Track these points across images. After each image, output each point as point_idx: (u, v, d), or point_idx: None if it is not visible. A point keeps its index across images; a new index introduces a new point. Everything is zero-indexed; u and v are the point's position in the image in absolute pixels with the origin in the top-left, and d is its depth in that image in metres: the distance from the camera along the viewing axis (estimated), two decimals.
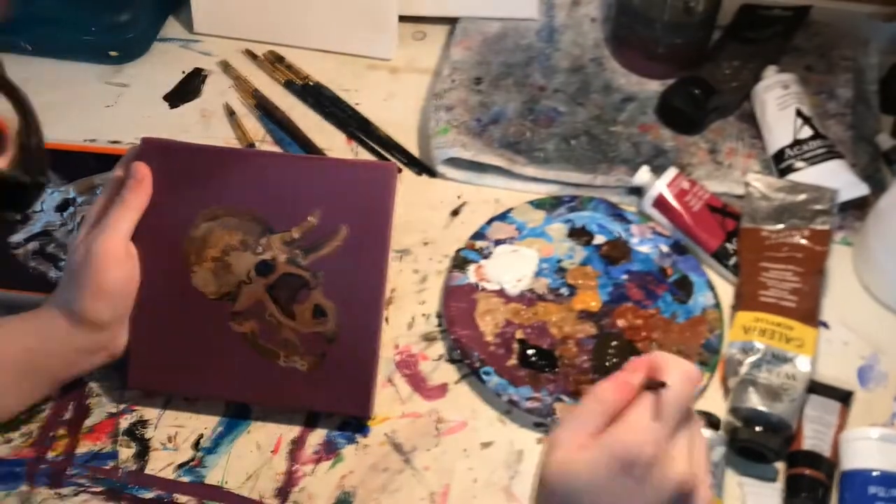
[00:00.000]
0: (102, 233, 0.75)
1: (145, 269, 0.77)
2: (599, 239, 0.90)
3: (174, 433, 0.80)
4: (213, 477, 0.77)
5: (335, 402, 0.78)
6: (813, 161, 0.91)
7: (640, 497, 0.54)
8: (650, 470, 0.53)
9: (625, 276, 0.87)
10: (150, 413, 0.81)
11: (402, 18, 1.08)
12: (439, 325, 0.86)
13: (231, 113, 1.03)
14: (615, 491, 0.53)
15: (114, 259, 0.75)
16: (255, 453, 0.78)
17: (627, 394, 0.56)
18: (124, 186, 0.77)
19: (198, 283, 0.79)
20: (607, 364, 0.81)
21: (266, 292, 0.78)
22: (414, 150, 0.99)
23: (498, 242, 0.89)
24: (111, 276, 0.75)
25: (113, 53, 1.07)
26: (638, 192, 0.92)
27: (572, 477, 0.54)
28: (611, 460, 0.53)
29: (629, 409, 0.55)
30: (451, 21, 1.10)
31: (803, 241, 0.85)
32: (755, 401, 0.77)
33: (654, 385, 0.55)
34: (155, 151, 0.79)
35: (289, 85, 1.06)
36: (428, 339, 0.85)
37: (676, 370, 0.55)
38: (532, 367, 0.81)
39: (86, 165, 0.93)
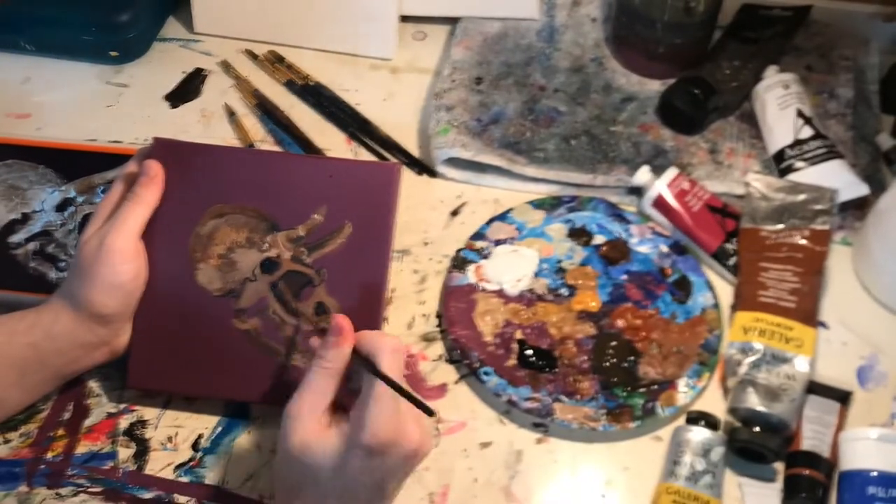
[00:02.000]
0: (115, 227, 0.75)
1: (150, 265, 0.78)
2: (599, 239, 0.90)
3: (174, 433, 0.80)
4: (212, 477, 0.77)
5: None
6: (813, 161, 0.91)
7: (379, 471, 0.64)
8: (388, 449, 0.63)
9: (624, 277, 0.87)
10: (149, 413, 0.81)
11: (403, 18, 1.09)
12: (439, 325, 0.86)
13: (231, 113, 1.03)
14: (356, 469, 0.64)
15: (125, 254, 0.75)
16: (255, 453, 0.78)
17: (347, 362, 0.67)
18: (137, 183, 0.78)
19: (202, 280, 0.79)
20: (606, 364, 0.81)
21: (270, 289, 0.79)
22: (414, 150, 0.99)
23: (497, 243, 0.89)
24: (122, 271, 0.75)
25: (113, 53, 1.07)
26: (638, 192, 0.92)
27: (317, 457, 0.64)
28: (353, 448, 0.63)
29: (368, 400, 0.63)
30: (452, 21, 1.09)
31: (803, 242, 0.85)
32: (754, 401, 0.77)
33: (369, 366, 0.65)
34: (165, 150, 0.80)
35: (289, 85, 1.06)
36: (427, 339, 0.85)
37: (385, 350, 0.65)
38: (531, 367, 0.81)
39: (86, 165, 0.93)
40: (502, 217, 0.91)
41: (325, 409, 0.66)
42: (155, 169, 0.79)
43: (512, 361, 0.82)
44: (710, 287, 0.86)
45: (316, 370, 0.67)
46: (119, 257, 0.75)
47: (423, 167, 0.97)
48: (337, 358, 0.67)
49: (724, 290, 0.87)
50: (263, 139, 1.00)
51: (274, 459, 0.68)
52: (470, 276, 0.87)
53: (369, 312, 0.78)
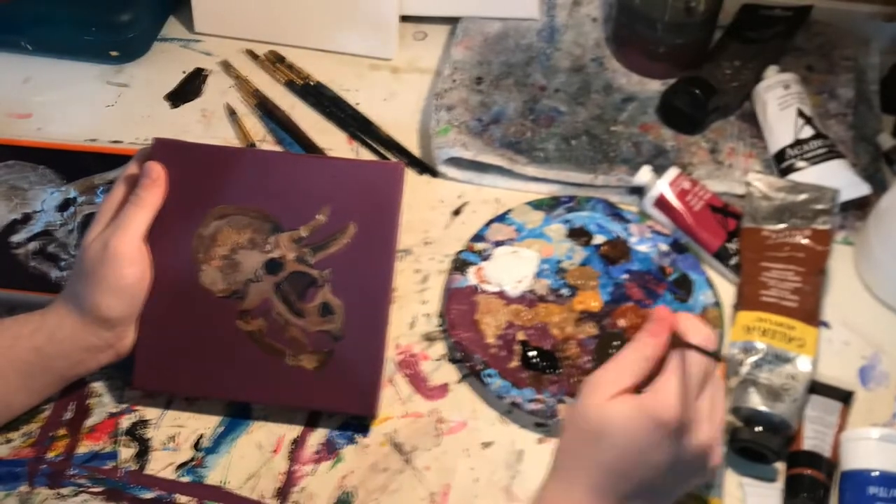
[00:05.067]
0: (119, 230, 0.75)
1: (154, 267, 0.78)
2: (598, 239, 0.90)
3: (175, 433, 0.80)
4: (213, 477, 0.77)
5: (341, 401, 0.78)
6: (814, 161, 0.91)
7: (663, 452, 0.61)
8: (679, 431, 0.61)
9: (625, 276, 0.87)
10: (150, 413, 0.81)
11: (403, 18, 1.09)
12: (441, 324, 0.86)
13: (232, 113, 1.03)
14: (644, 443, 0.61)
15: (130, 257, 0.75)
16: (257, 453, 0.78)
17: (663, 350, 0.64)
18: (139, 185, 0.78)
19: (206, 281, 0.79)
20: None
21: (274, 290, 0.78)
22: (415, 149, 0.99)
23: (497, 244, 0.89)
24: (127, 274, 0.75)
25: (113, 53, 1.07)
26: (639, 191, 0.92)
27: (607, 422, 0.62)
28: (646, 418, 0.61)
29: (665, 372, 0.62)
30: (452, 21, 1.09)
31: (804, 241, 0.85)
32: (756, 401, 0.77)
33: (680, 344, 0.62)
34: (166, 151, 0.80)
35: (290, 85, 1.06)
36: (429, 338, 0.85)
37: (697, 335, 0.63)
38: (534, 368, 0.81)
39: (86, 165, 0.93)
40: (501, 218, 0.91)
41: (625, 385, 0.63)
42: (157, 171, 0.78)
43: (515, 363, 0.82)
44: (711, 285, 0.86)
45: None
46: (124, 261, 0.75)
47: (424, 167, 0.97)
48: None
49: (725, 290, 0.87)
50: (264, 139, 1.00)
51: (561, 438, 0.65)
52: (471, 278, 0.87)
53: (374, 312, 0.77)
